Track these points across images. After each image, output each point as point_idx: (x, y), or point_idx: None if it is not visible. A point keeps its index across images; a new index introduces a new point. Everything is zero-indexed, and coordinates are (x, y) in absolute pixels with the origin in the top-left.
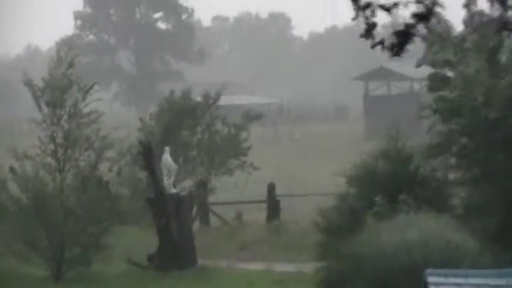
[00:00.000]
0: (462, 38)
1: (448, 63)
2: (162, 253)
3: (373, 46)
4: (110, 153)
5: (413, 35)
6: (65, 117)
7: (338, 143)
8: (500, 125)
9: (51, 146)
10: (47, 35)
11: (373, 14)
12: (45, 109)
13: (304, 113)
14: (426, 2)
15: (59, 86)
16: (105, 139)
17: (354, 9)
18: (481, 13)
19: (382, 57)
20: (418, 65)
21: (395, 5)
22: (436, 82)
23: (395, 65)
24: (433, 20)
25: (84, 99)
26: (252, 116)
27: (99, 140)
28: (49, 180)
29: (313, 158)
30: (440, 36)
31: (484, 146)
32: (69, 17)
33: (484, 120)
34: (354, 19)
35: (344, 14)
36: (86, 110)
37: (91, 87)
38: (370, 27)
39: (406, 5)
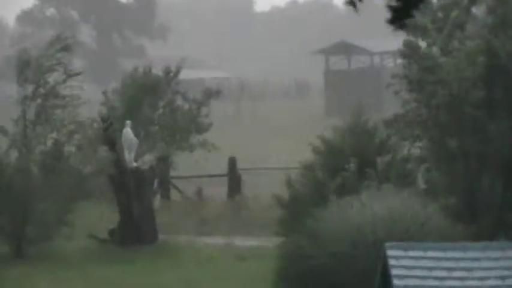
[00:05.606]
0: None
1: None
2: (123, 228)
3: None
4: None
5: None
6: (41, 94)
7: (299, 119)
8: (476, 103)
9: (21, 122)
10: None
11: None
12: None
13: (265, 89)
14: None
15: (45, 65)
16: (81, 124)
17: None
18: None
19: (343, 31)
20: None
21: None
22: (410, 48)
23: (356, 39)
24: None
25: (65, 81)
26: (211, 92)
27: (73, 124)
28: (14, 155)
29: (275, 135)
30: None
31: (459, 121)
32: None
33: (465, 94)
34: None
35: None
36: (65, 93)
37: (77, 74)
38: None
39: None
